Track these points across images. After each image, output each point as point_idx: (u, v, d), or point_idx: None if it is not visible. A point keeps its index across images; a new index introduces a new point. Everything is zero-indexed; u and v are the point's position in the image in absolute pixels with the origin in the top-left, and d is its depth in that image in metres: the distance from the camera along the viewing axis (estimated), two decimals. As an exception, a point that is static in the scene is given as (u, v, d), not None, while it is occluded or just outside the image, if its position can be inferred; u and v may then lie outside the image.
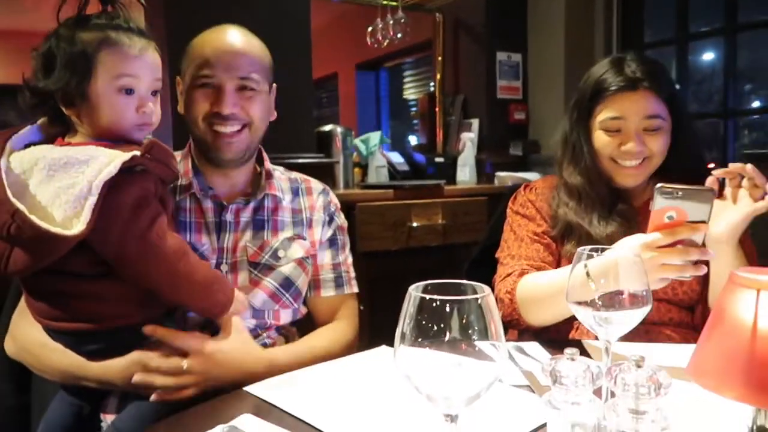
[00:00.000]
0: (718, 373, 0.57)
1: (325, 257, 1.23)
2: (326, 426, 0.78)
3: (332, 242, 1.24)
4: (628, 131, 1.21)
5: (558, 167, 1.34)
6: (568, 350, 0.62)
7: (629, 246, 0.98)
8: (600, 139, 1.25)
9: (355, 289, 1.28)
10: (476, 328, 0.54)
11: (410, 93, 4.86)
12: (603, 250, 0.77)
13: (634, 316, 0.75)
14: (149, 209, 0.86)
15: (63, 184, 0.79)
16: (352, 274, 1.28)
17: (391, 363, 0.99)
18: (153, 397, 0.91)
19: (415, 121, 4.54)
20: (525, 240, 1.30)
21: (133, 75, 0.87)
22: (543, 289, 1.14)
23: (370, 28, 2.99)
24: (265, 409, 0.84)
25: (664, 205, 0.94)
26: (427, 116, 3.39)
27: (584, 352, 1.00)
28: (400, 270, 2.32)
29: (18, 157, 0.83)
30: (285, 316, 1.15)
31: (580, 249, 0.77)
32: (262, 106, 1.11)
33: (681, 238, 0.95)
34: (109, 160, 0.81)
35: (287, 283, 1.14)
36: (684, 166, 1.23)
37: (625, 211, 1.25)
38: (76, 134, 0.90)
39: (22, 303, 0.99)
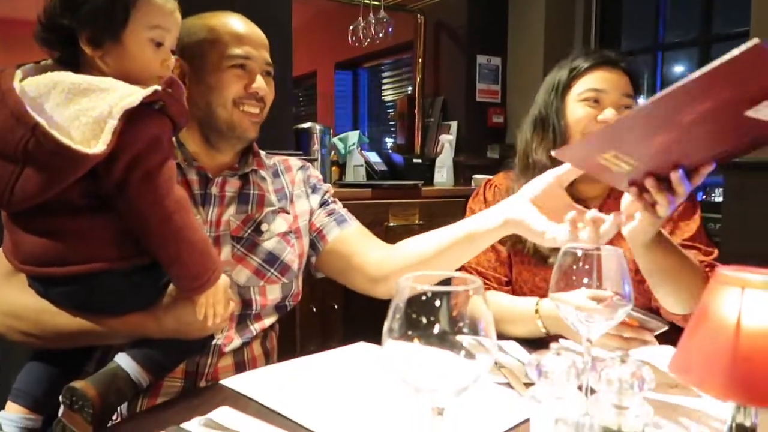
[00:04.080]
0: (701, 370, 0.58)
1: (320, 213, 1.23)
2: (303, 418, 0.77)
3: (323, 203, 1.25)
4: (605, 103, 1.23)
5: (523, 152, 1.32)
6: (554, 345, 0.62)
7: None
8: (576, 111, 1.26)
9: (359, 223, 1.25)
10: (466, 320, 0.53)
11: (388, 94, 4.86)
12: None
13: (617, 315, 0.75)
14: (160, 151, 0.84)
15: (82, 107, 0.78)
16: (351, 215, 1.27)
17: (369, 358, 1.00)
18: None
19: (392, 123, 4.55)
20: None
21: (165, 29, 0.88)
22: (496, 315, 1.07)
23: (351, 27, 2.99)
24: (243, 402, 0.82)
25: None
26: (405, 117, 3.40)
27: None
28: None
29: (34, 81, 0.81)
30: (273, 293, 1.12)
31: (564, 247, 0.77)
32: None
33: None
34: (131, 92, 0.80)
35: (271, 258, 1.12)
36: None
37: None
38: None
39: (1, 271, 0.94)
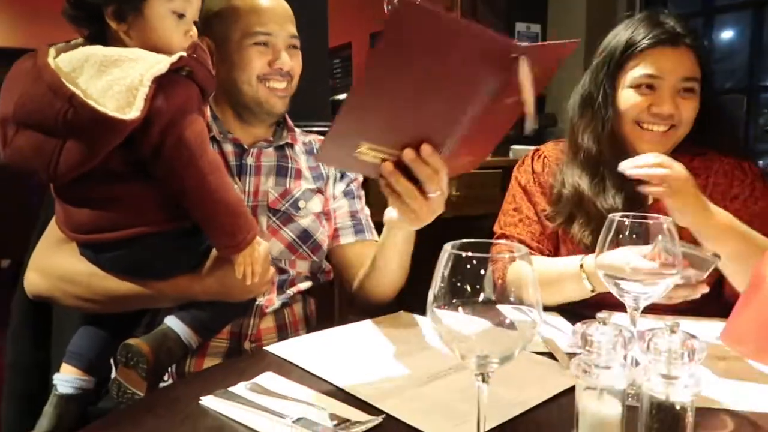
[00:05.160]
0: (754, 340, 0.56)
1: (342, 207, 1.23)
2: (345, 384, 0.78)
3: (347, 193, 1.25)
4: (662, 91, 1.10)
5: (571, 133, 1.23)
6: (600, 314, 0.61)
7: (622, 261, 0.79)
8: (628, 98, 1.13)
9: (377, 237, 1.24)
10: (512, 288, 0.53)
11: (424, 65, 4.79)
12: (637, 216, 0.75)
13: (664, 284, 0.73)
14: (191, 115, 0.87)
15: (115, 77, 0.81)
16: (372, 224, 1.26)
17: (410, 327, 1.00)
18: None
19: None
20: (524, 220, 1.26)
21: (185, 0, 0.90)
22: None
23: (387, -4, 2.94)
24: (286, 368, 0.84)
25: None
26: (442, 87, 3.35)
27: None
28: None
29: (67, 56, 0.84)
30: (302, 267, 1.15)
31: (611, 215, 0.76)
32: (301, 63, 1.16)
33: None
34: (159, 60, 0.84)
35: (305, 236, 1.14)
36: (717, 140, 1.16)
37: (638, 193, 1.10)
38: None
39: (51, 239, 0.98)
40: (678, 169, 0.97)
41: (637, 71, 1.13)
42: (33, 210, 1.19)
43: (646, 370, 0.59)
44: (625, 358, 0.64)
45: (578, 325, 0.63)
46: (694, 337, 0.58)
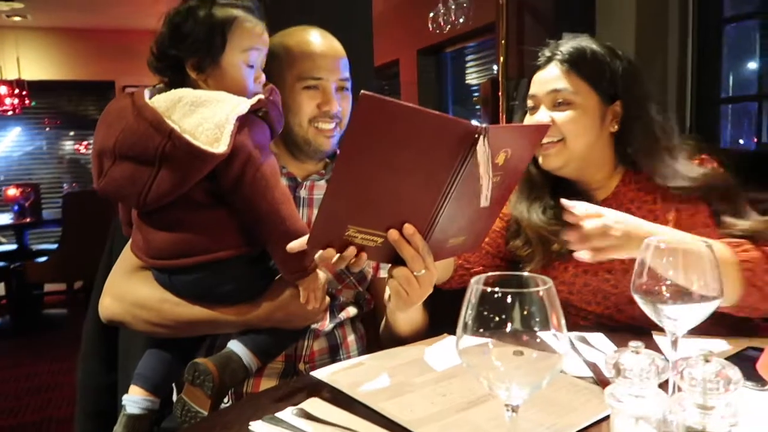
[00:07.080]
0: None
1: None
2: (387, 410, 0.80)
3: None
4: (538, 106, 1.21)
5: None
6: (633, 343, 0.62)
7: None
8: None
9: None
10: (537, 319, 0.54)
11: (473, 78, 4.80)
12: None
13: (704, 310, 0.72)
14: (266, 151, 0.97)
15: (204, 115, 0.92)
16: None
17: (453, 349, 1.02)
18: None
19: (478, 107, 4.49)
20: None
21: (257, 49, 1.01)
22: None
23: (431, 14, 2.98)
24: (332, 393, 0.87)
25: None
26: (490, 101, 3.35)
27: (653, 345, 0.98)
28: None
29: (161, 97, 0.95)
30: (346, 295, 1.19)
31: (648, 240, 0.75)
32: (351, 103, 1.20)
33: None
34: (240, 101, 0.94)
35: None
36: (640, 153, 1.19)
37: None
38: None
39: (126, 266, 1.06)
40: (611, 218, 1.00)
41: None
42: (104, 236, 1.29)
43: (681, 400, 0.59)
44: (666, 384, 0.64)
45: (611, 353, 0.63)
46: (730, 366, 0.58)
